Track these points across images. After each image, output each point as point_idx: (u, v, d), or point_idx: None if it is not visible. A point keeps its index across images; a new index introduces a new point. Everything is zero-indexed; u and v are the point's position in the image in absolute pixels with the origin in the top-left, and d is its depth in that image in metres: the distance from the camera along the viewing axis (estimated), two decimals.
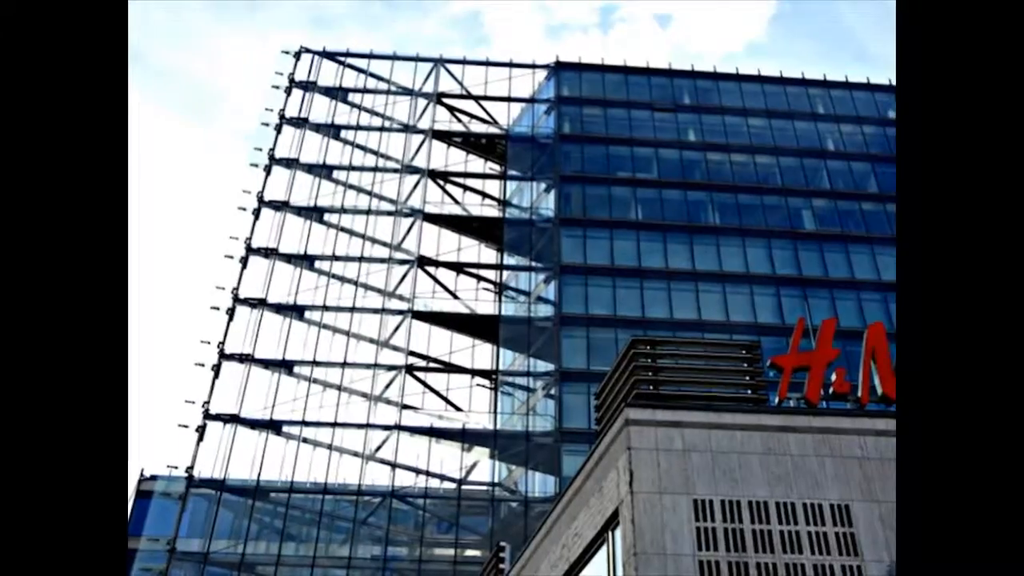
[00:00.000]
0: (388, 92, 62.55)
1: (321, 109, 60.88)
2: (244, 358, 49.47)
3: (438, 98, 62.37)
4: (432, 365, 52.29)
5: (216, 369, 48.77)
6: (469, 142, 62.28)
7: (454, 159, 61.57)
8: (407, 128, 61.14)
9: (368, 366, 50.60)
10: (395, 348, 51.70)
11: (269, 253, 53.74)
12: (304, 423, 48.14)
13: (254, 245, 53.71)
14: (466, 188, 61.11)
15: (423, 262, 55.04)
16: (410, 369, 50.89)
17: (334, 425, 48.24)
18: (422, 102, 62.27)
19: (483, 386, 53.32)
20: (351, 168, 58.68)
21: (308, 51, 63.38)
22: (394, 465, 47.16)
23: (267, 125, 59.33)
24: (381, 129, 60.94)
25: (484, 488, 49.19)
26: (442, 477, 48.70)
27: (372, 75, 63.07)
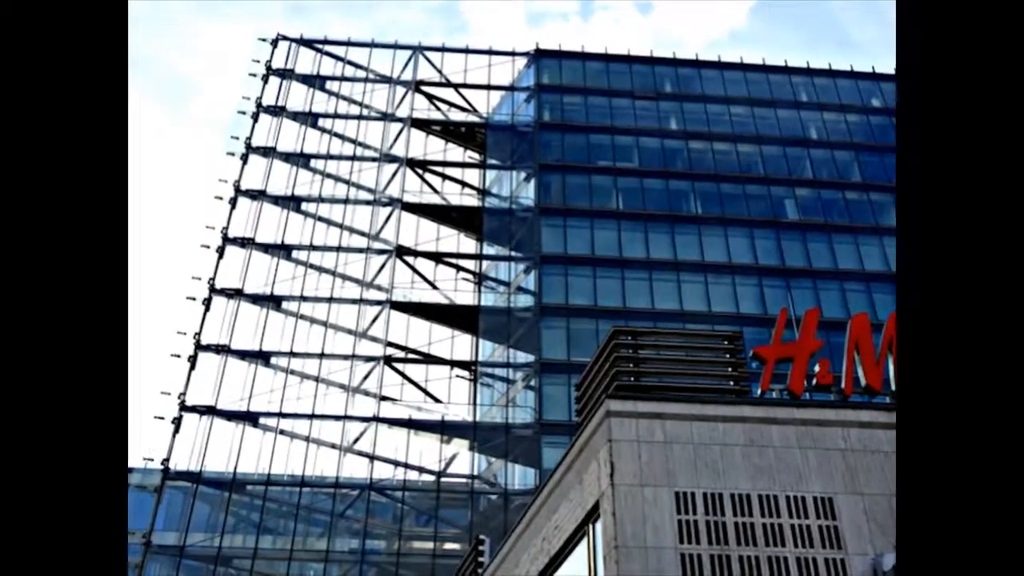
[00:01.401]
0: (366, 80, 61.96)
1: (299, 97, 60.41)
2: (221, 349, 49.01)
3: (417, 86, 61.83)
4: (411, 356, 51.97)
5: (192, 360, 48.31)
6: (448, 130, 61.85)
7: (433, 148, 61.21)
8: (385, 116, 60.59)
9: (346, 357, 50.22)
10: (373, 339, 51.33)
11: (246, 243, 53.20)
12: (281, 415, 47.76)
13: (231, 235, 53.19)
14: (445, 177, 60.70)
15: (402, 252, 54.59)
16: (388, 360, 50.53)
17: (311, 417, 47.84)
18: (401, 90, 61.72)
19: (462, 377, 53.03)
20: (329, 157, 58.16)
21: (285, 39, 62.70)
22: (372, 457, 46.81)
23: (244, 113, 58.84)
24: (359, 117, 60.39)
25: (463, 480, 48.96)
26: (421, 469, 48.40)
27: (350, 63, 62.47)
